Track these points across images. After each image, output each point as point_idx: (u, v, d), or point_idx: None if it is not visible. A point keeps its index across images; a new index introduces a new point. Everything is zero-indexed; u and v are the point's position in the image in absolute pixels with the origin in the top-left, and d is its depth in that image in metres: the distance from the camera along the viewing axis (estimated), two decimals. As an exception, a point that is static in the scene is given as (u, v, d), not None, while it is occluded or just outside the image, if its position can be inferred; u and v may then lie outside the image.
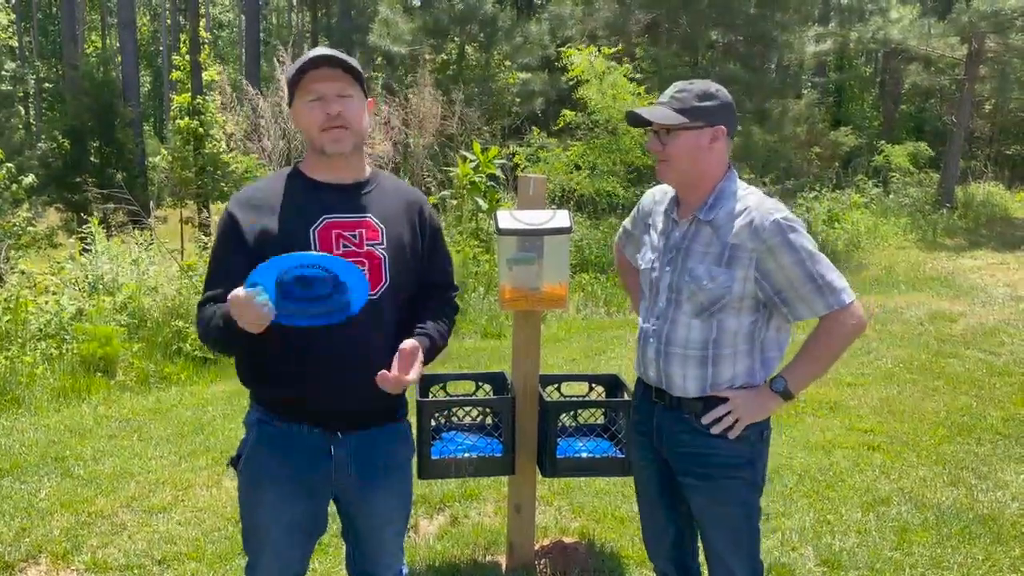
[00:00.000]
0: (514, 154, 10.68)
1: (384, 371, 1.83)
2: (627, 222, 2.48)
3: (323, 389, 1.91)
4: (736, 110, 2.14)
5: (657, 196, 2.31)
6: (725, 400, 2.08)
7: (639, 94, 10.40)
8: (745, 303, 2.04)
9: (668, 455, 2.20)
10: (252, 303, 1.69)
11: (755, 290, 2.03)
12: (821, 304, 2.00)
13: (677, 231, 2.14)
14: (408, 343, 1.89)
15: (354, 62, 1.92)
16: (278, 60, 9.75)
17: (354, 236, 1.92)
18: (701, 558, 2.42)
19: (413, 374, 1.86)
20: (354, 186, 1.99)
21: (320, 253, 1.81)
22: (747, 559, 2.18)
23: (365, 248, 1.93)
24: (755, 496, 2.17)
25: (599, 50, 10.71)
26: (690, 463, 2.15)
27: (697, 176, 2.09)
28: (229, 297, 1.74)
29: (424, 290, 2.08)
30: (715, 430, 2.08)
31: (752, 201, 2.05)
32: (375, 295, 1.92)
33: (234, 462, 2.03)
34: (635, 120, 2.13)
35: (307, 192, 1.95)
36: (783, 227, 1.98)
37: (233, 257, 1.90)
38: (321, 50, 1.90)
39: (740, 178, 2.16)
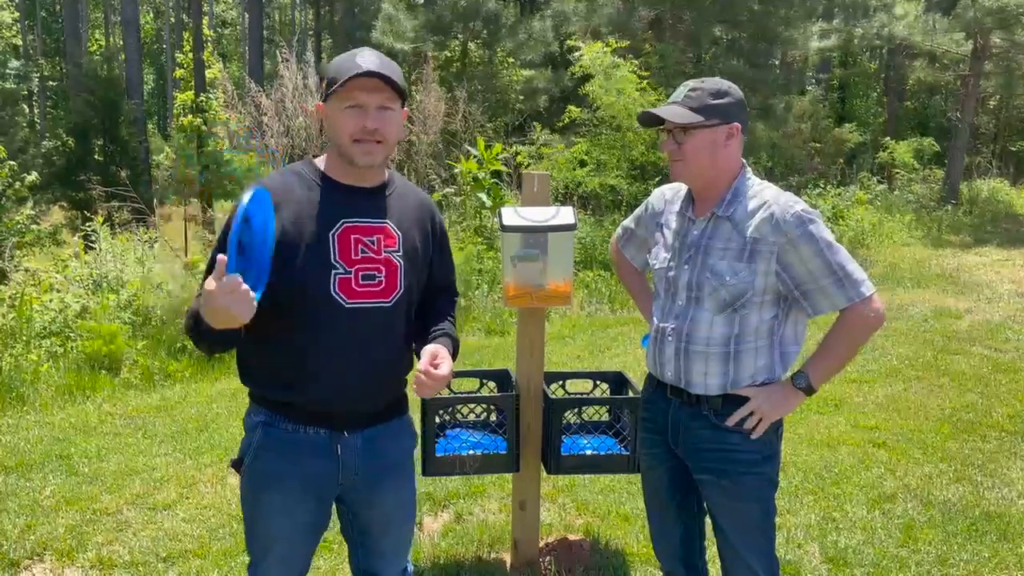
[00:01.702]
0: (517, 152, 10.68)
1: (419, 375, 1.81)
2: (629, 221, 2.46)
3: (330, 393, 1.90)
4: (747, 107, 2.13)
5: (668, 195, 2.30)
6: (746, 399, 2.08)
7: (643, 89, 10.38)
8: (767, 298, 2.04)
9: (685, 452, 2.19)
10: (238, 290, 1.55)
11: (776, 284, 2.03)
12: (842, 297, 2.00)
13: (694, 229, 2.13)
14: (428, 348, 1.87)
15: (400, 77, 1.86)
16: (283, 58, 9.74)
17: (372, 242, 1.90)
18: (707, 556, 2.42)
19: (444, 369, 1.83)
20: (374, 190, 1.95)
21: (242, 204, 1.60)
22: (765, 556, 2.17)
23: (383, 255, 1.90)
24: (772, 492, 2.17)
25: (605, 44, 10.70)
26: (708, 460, 2.14)
27: (714, 174, 2.08)
28: (205, 290, 1.58)
29: (430, 295, 2.08)
30: (745, 426, 2.08)
31: (769, 195, 2.05)
32: (389, 303, 1.91)
33: (236, 464, 2.01)
34: (648, 120, 2.12)
35: (327, 194, 1.90)
36: (804, 219, 1.98)
37: None
38: (373, 61, 1.81)
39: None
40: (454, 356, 1.99)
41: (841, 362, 2.12)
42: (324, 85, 1.90)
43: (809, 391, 2.08)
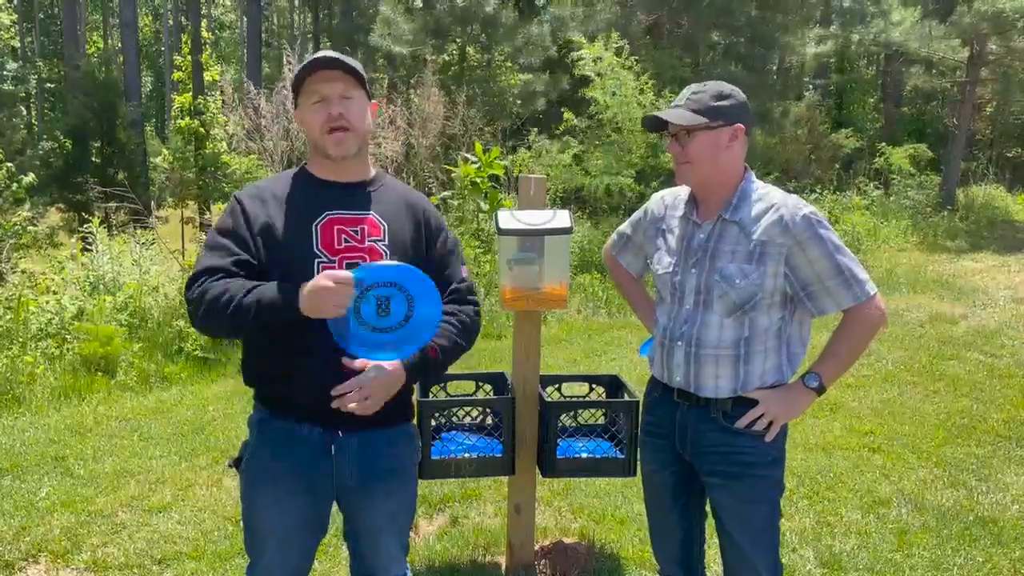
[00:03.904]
0: (513, 159, 10.70)
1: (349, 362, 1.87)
2: (625, 227, 2.46)
3: (319, 387, 1.90)
4: (750, 110, 2.14)
5: (667, 200, 2.30)
6: (755, 402, 2.09)
7: (642, 90, 10.43)
8: (775, 300, 2.06)
9: (693, 455, 2.19)
10: (344, 290, 1.74)
11: (784, 286, 2.05)
12: (848, 296, 2.03)
13: (700, 233, 2.14)
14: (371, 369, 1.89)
15: (356, 64, 1.94)
16: (287, 60, 9.75)
17: (355, 232, 1.94)
18: (705, 560, 2.43)
19: (353, 402, 1.86)
20: (357, 184, 2.02)
21: (408, 267, 1.85)
22: (771, 558, 2.18)
23: (367, 243, 1.94)
24: (779, 495, 2.18)
25: (605, 46, 10.75)
26: (717, 462, 2.14)
27: (719, 176, 2.10)
28: (322, 275, 1.76)
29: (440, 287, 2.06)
30: (756, 428, 2.09)
31: (776, 198, 2.08)
32: None
33: (236, 463, 2.03)
34: (652, 124, 2.14)
35: (311, 189, 1.99)
36: (812, 222, 2.02)
37: (238, 235, 1.92)
38: (322, 53, 1.93)
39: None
40: (425, 368, 1.98)
41: (849, 361, 2.15)
42: (292, 95, 2.00)
43: (821, 390, 2.09)
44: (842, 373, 2.17)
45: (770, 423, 2.09)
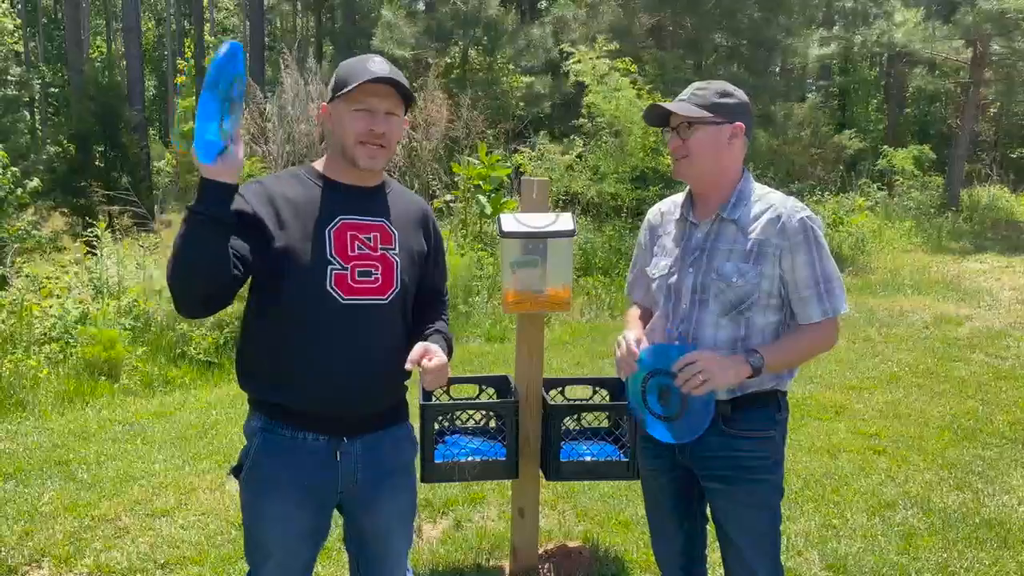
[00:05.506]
0: (517, 163, 10.70)
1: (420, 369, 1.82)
2: (634, 258, 2.40)
3: (327, 391, 1.89)
4: (752, 112, 2.13)
5: (664, 208, 2.29)
6: (753, 403, 2.06)
7: (640, 95, 10.42)
8: (772, 301, 2.05)
9: (692, 460, 2.17)
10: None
11: (779, 287, 2.04)
12: (817, 310, 2.02)
13: (698, 232, 2.12)
14: (416, 345, 1.86)
15: (407, 85, 1.89)
16: (283, 64, 9.76)
17: (368, 239, 1.92)
18: (707, 564, 2.41)
19: (436, 360, 1.82)
20: (371, 190, 1.99)
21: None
22: (771, 562, 2.16)
23: (379, 252, 1.92)
24: (779, 499, 2.16)
25: (596, 49, 10.75)
26: (717, 467, 2.12)
27: (718, 173, 2.09)
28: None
29: (423, 297, 2.09)
30: (678, 381, 1.95)
31: (776, 199, 2.07)
32: (385, 299, 1.92)
33: (235, 472, 2.00)
34: (655, 116, 2.12)
35: (325, 192, 1.93)
36: (807, 226, 2.01)
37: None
38: (384, 68, 1.86)
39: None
40: (448, 351, 1.99)
41: (795, 362, 2.10)
42: (332, 87, 1.92)
43: (757, 371, 1.98)
44: (782, 368, 2.07)
45: (703, 381, 1.92)
